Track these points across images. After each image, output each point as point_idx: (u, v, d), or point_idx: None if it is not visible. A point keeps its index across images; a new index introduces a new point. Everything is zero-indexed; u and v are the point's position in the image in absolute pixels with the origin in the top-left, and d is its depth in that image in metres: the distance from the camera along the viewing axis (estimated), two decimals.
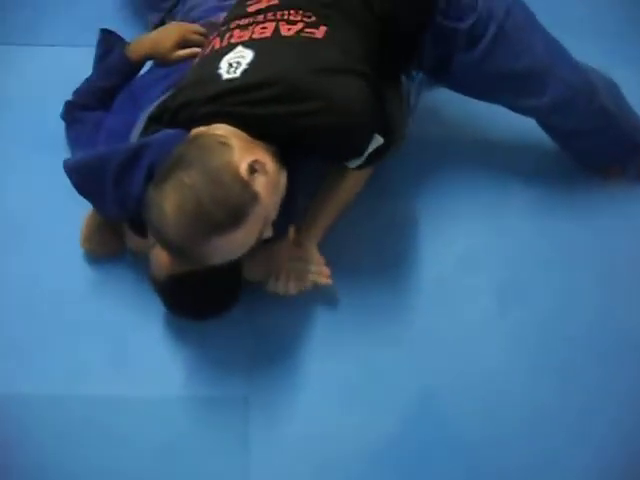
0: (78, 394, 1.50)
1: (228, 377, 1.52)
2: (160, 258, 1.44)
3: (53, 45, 1.89)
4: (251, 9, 1.45)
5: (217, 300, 1.49)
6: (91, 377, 1.51)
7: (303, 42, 1.37)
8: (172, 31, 1.65)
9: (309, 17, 1.39)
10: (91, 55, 1.73)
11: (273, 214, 1.33)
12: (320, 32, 1.37)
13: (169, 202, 1.24)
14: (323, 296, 1.58)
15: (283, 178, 1.35)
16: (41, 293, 1.59)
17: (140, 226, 1.50)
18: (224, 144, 1.28)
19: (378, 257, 1.66)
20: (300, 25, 1.38)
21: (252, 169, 1.27)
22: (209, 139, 1.29)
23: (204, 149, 1.27)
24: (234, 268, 1.45)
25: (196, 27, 1.66)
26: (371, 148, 1.38)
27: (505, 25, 1.52)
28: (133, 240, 1.57)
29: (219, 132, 1.31)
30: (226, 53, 1.38)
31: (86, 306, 1.58)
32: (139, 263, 1.57)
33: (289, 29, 1.38)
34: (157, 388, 1.51)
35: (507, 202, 1.76)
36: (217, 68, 1.37)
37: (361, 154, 1.39)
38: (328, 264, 1.53)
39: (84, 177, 1.46)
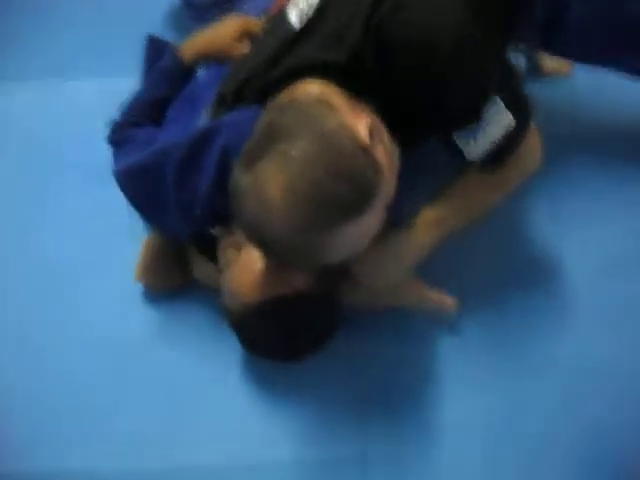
0: (150, 467, 1.17)
1: (338, 431, 1.18)
2: (239, 281, 1.13)
3: (95, 77, 1.68)
4: None
5: (313, 333, 1.16)
6: (164, 444, 1.19)
7: None
8: (232, 23, 1.40)
9: None
10: (135, 84, 1.50)
11: (390, 198, 1.02)
12: None
13: (274, 185, 0.93)
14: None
15: (397, 152, 1.05)
16: (95, 344, 1.29)
17: (209, 244, 1.21)
18: (328, 103, 0.99)
19: (505, 268, 1.33)
20: None
21: (370, 134, 0.98)
22: (307, 99, 1.00)
23: (305, 112, 0.97)
24: (334, 286, 1.14)
25: (258, 20, 1.42)
26: (495, 122, 1.08)
27: None
28: (201, 267, 1.27)
29: (312, 90, 1.02)
30: (296, 5, 1.13)
31: (149, 356, 1.27)
32: (210, 296, 1.27)
33: None
34: (252, 455, 1.18)
35: None
36: (287, 23, 1.12)
37: (474, 115, 1.07)
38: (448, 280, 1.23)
39: (138, 182, 1.18)
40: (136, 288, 1.32)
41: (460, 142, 1.11)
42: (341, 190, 0.93)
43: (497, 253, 1.35)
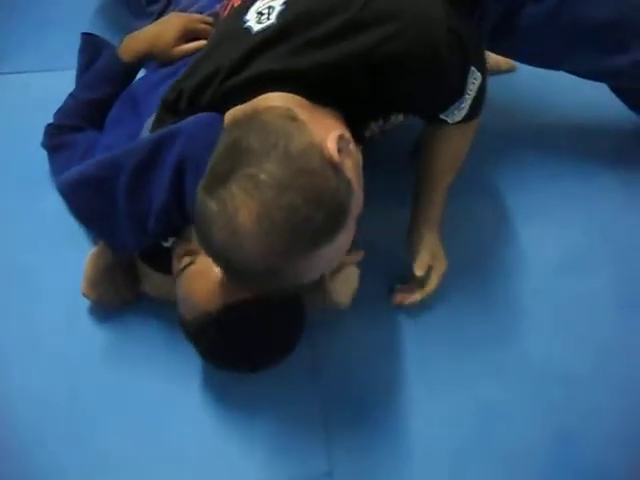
0: None
1: (303, 449, 1.13)
2: (196, 289, 1.06)
3: (23, 72, 1.59)
4: None
5: (276, 339, 1.10)
6: (121, 470, 1.12)
7: None
8: (174, 22, 1.34)
9: None
10: (68, 79, 1.42)
11: (360, 209, 0.98)
12: None
13: (244, 212, 0.88)
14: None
15: (360, 157, 1.02)
16: (38, 364, 1.20)
17: (159, 258, 1.15)
18: (294, 119, 0.94)
19: (461, 271, 1.30)
20: None
21: (339, 148, 0.94)
22: (270, 115, 0.94)
23: (271, 131, 0.92)
24: (297, 292, 1.10)
25: (201, 17, 1.36)
26: (472, 87, 1.10)
27: None
28: (151, 280, 1.21)
29: (276, 104, 0.97)
30: (252, 4, 1.09)
31: (99, 377, 1.19)
32: (162, 310, 1.21)
33: None
34: (212, 476, 1.12)
35: (594, 192, 1.46)
36: (243, 23, 1.07)
37: (462, 92, 1.09)
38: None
39: (85, 194, 1.11)
40: (82, 301, 1.24)
41: (445, 116, 1.12)
42: (315, 215, 0.89)
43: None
